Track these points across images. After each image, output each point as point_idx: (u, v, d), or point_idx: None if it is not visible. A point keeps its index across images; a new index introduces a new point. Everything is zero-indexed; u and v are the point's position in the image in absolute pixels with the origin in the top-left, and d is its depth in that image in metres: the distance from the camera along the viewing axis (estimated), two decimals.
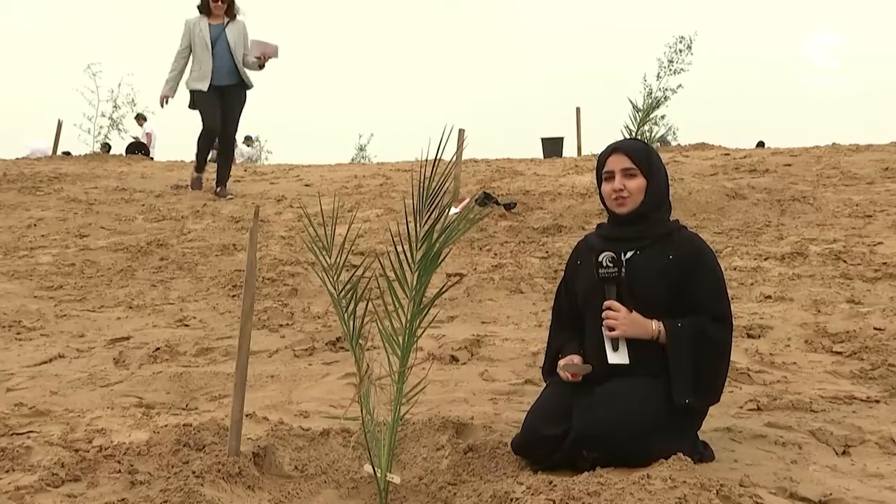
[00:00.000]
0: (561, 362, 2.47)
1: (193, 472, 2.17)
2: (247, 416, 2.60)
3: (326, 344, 4.06)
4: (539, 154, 12.27)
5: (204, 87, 7.63)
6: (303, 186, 8.80)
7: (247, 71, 7.79)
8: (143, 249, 6.26)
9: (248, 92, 7.92)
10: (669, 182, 2.57)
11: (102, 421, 2.82)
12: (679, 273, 2.38)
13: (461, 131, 7.24)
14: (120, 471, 2.30)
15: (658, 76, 15.63)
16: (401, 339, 2.16)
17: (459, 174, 7.61)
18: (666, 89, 15.06)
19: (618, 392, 2.30)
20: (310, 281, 5.36)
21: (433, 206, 2.12)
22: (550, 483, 2.06)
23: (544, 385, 2.59)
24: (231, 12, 7.77)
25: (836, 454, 2.43)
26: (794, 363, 3.49)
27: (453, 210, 6.20)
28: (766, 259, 5.37)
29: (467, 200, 7.17)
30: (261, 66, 7.79)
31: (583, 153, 12.17)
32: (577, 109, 12.84)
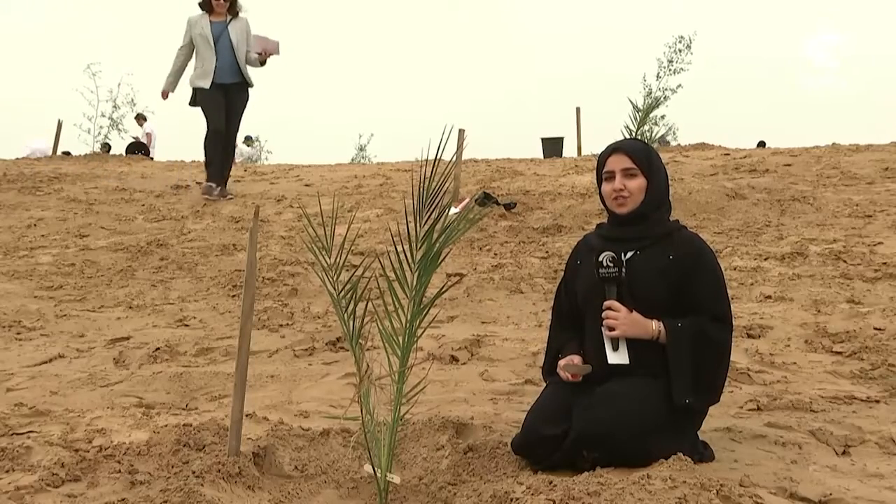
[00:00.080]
0: (561, 362, 2.47)
1: (193, 472, 2.17)
2: (247, 416, 2.60)
3: (326, 344, 4.06)
4: (539, 154, 12.26)
5: (206, 84, 7.56)
6: (303, 186, 8.79)
7: (248, 68, 7.75)
8: (143, 249, 6.26)
9: (249, 91, 7.88)
10: (669, 182, 2.58)
11: (102, 421, 2.82)
12: (679, 273, 2.38)
13: (461, 131, 7.23)
14: (120, 471, 2.30)
15: (658, 76, 15.72)
16: (401, 339, 2.16)
17: (459, 174, 7.60)
18: (666, 89, 15.15)
19: (618, 392, 2.30)
20: (310, 281, 5.36)
21: (433, 206, 2.12)
22: (550, 483, 2.06)
23: (544, 385, 2.59)
24: (233, 10, 7.72)
25: (836, 454, 2.44)
26: (794, 363, 3.49)
27: (453, 210, 6.20)
28: (766, 259, 5.37)
29: (467, 200, 7.16)
30: (262, 63, 7.77)
31: (583, 153, 12.16)
32: (577, 109, 12.85)
